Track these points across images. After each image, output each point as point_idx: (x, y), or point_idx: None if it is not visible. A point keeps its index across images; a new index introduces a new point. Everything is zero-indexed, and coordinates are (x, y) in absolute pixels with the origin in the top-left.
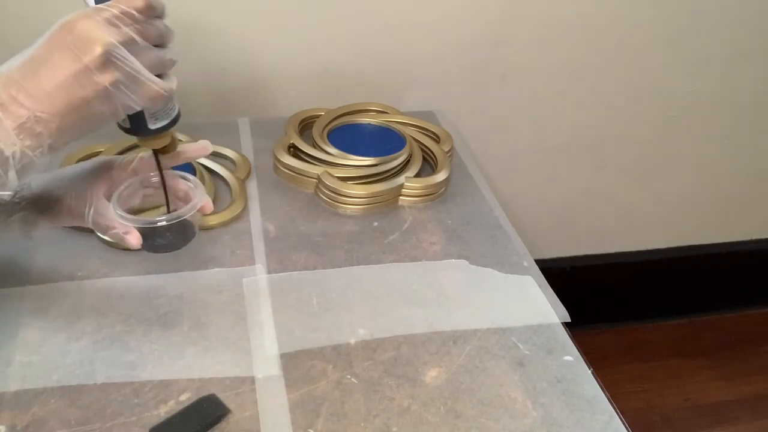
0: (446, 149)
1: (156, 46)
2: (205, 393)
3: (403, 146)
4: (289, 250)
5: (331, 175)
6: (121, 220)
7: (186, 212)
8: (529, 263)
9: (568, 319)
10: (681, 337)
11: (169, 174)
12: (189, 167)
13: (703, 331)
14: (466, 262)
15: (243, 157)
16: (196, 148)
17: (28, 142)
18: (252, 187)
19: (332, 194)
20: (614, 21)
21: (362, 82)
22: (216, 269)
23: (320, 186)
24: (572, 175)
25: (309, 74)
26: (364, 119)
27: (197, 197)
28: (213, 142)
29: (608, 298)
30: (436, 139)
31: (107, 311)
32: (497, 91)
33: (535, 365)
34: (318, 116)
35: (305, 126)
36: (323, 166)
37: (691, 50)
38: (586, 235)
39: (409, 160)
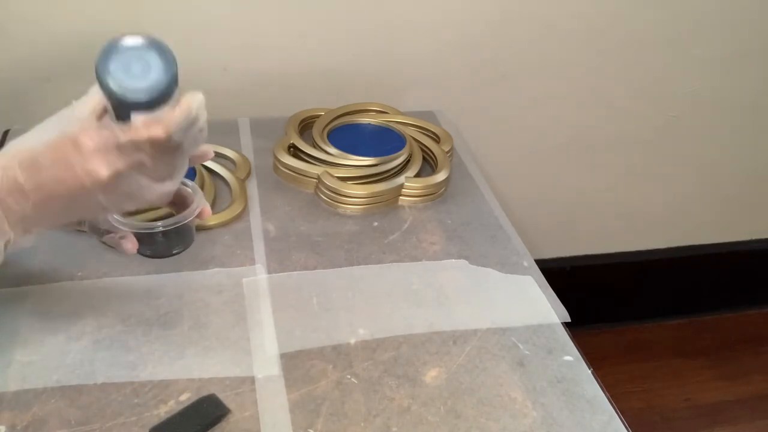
0: (446, 149)
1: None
2: (205, 393)
3: (403, 146)
4: (289, 250)
5: (331, 175)
6: (117, 225)
7: (184, 218)
8: (529, 263)
9: (568, 319)
10: (681, 337)
11: None
12: (190, 168)
13: (703, 331)
14: (466, 262)
15: (243, 157)
16: (197, 155)
17: (19, 234)
18: (252, 187)
19: (332, 194)
20: (614, 21)
21: (362, 82)
22: (216, 269)
23: (320, 186)
24: (572, 175)
25: (309, 74)
26: (364, 119)
27: (196, 202)
28: (213, 142)
29: (608, 298)
30: (436, 139)
31: (107, 311)
32: (497, 91)
33: (535, 365)
34: (318, 116)
35: (305, 126)
36: (323, 166)
37: (691, 50)
38: (586, 235)
39: (409, 160)
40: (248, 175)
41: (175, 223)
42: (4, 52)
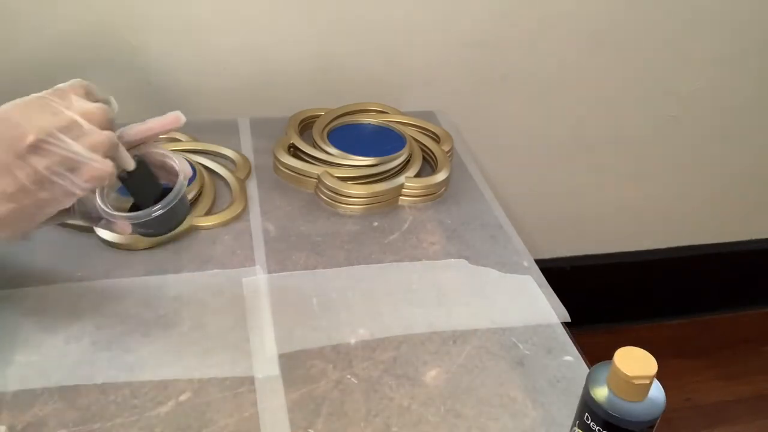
0: (446, 149)
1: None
2: (204, 393)
3: (403, 146)
4: (289, 250)
5: (331, 175)
6: (107, 217)
7: (176, 196)
8: (529, 263)
9: (568, 319)
10: (681, 337)
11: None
12: (190, 168)
13: (703, 331)
14: (466, 261)
15: (243, 157)
16: (166, 123)
17: None
18: (252, 187)
19: (332, 194)
20: (614, 21)
21: (362, 82)
22: (216, 270)
23: (320, 186)
24: (572, 175)
25: (309, 74)
26: (364, 119)
27: (182, 172)
28: (213, 142)
29: (608, 298)
30: (436, 139)
31: (107, 312)
32: (497, 91)
33: (535, 365)
34: (318, 116)
35: (305, 126)
36: (323, 166)
37: (692, 50)
38: (586, 235)
39: (409, 160)
40: (248, 175)
41: (168, 204)
42: (4, 52)
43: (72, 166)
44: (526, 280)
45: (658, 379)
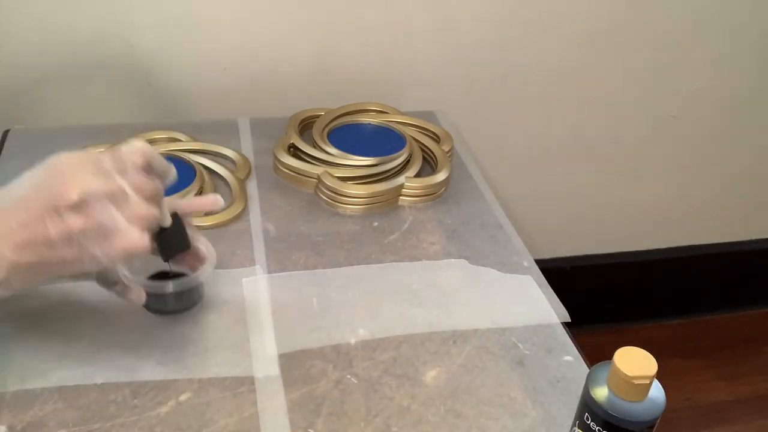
0: (446, 149)
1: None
2: (204, 393)
3: (403, 146)
4: (289, 250)
5: (331, 175)
6: (126, 281)
7: (197, 279)
8: (529, 263)
9: (568, 319)
10: (681, 337)
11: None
12: (190, 168)
13: (703, 331)
14: (466, 261)
15: (243, 157)
16: (205, 203)
17: None
18: (252, 187)
19: (332, 194)
20: (614, 21)
21: (362, 82)
22: (215, 270)
23: (320, 186)
24: (572, 175)
25: (309, 74)
26: (364, 119)
27: (209, 263)
28: (213, 142)
29: (608, 298)
30: (436, 139)
31: (106, 312)
32: (497, 91)
33: (535, 365)
34: (318, 116)
35: (305, 126)
36: (323, 166)
37: (692, 50)
38: (586, 235)
39: (409, 160)
40: (248, 175)
41: (187, 285)
42: (4, 52)
43: (107, 233)
44: (526, 280)
45: (658, 379)
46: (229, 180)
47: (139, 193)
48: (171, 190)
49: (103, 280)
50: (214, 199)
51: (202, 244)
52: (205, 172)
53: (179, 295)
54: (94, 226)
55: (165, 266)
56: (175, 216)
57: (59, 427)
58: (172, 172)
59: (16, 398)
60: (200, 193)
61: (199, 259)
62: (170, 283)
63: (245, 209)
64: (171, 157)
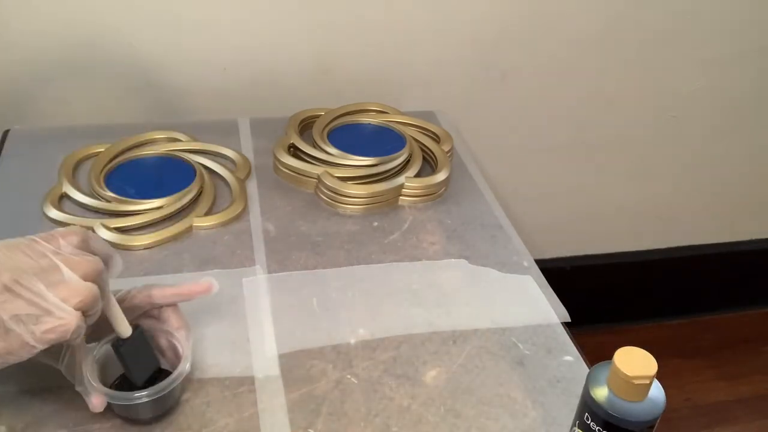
0: (446, 149)
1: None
2: (204, 394)
3: (403, 146)
4: (289, 250)
5: (331, 175)
6: (91, 389)
7: (169, 385)
8: (529, 263)
9: (568, 319)
10: (681, 337)
11: (157, 328)
12: (190, 168)
13: (703, 331)
14: (466, 262)
15: (243, 157)
16: (196, 290)
17: None
18: (252, 187)
19: (332, 194)
20: (614, 21)
21: (362, 82)
22: (216, 270)
23: (320, 186)
24: (572, 175)
25: (309, 74)
26: (364, 119)
27: (181, 365)
28: (213, 142)
29: (608, 298)
30: (436, 139)
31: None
32: (497, 91)
33: (535, 365)
34: (318, 116)
35: (305, 126)
36: (323, 166)
37: (692, 50)
38: (586, 235)
39: (409, 160)
40: (248, 175)
41: (159, 392)
42: (3, 52)
43: (38, 314)
44: (526, 280)
45: (658, 379)
46: (229, 180)
47: (74, 270)
48: (171, 189)
49: (70, 375)
50: (207, 285)
51: (181, 343)
52: (205, 173)
53: (153, 402)
54: (24, 308)
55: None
56: (137, 329)
57: (59, 427)
58: (117, 261)
59: (16, 398)
60: (200, 194)
61: (177, 358)
62: (143, 393)
63: (245, 209)
64: (171, 158)
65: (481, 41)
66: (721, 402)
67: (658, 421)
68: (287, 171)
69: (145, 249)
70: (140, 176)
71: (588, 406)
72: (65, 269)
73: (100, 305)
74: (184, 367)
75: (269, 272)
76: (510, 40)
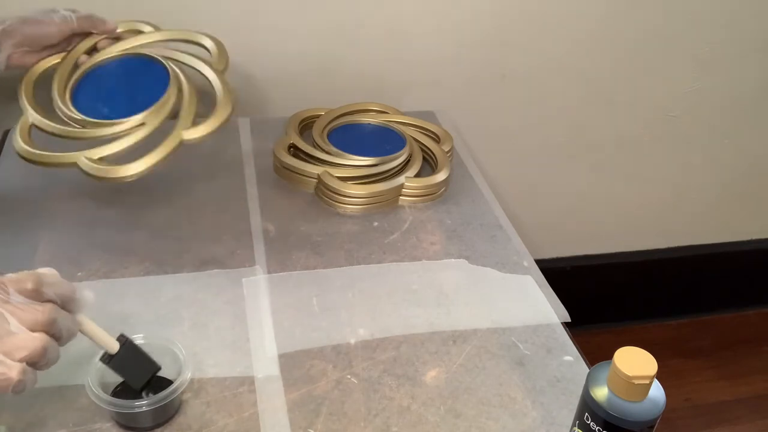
0: (446, 149)
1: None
2: (204, 394)
3: (403, 146)
4: (289, 250)
5: (331, 175)
6: (96, 401)
7: (169, 395)
8: (529, 263)
9: (568, 319)
10: (681, 337)
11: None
12: (162, 70)
13: (703, 331)
14: (466, 261)
15: (218, 42)
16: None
17: None
18: (252, 187)
19: (332, 194)
20: (614, 21)
21: (362, 82)
22: (216, 270)
23: (320, 186)
24: (572, 175)
25: (309, 74)
26: (364, 119)
27: (182, 375)
28: (212, 142)
29: (608, 298)
30: (436, 139)
31: (107, 312)
32: (497, 91)
33: (535, 365)
34: (318, 116)
35: (305, 126)
36: (323, 166)
37: (692, 50)
38: (586, 235)
39: (409, 160)
40: (227, 65)
41: (159, 402)
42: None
43: None
44: (526, 280)
45: (658, 379)
46: (209, 76)
47: (22, 322)
48: (145, 99)
49: None
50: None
51: (180, 350)
52: (181, 75)
53: (154, 411)
54: None
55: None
56: (125, 342)
57: (59, 427)
58: (85, 295)
59: (16, 398)
60: (179, 104)
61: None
62: (143, 402)
63: (233, 112)
64: (134, 57)
65: (481, 41)
66: (721, 402)
67: (658, 421)
68: (287, 171)
69: (144, 248)
70: (107, 89)
71: (588, 406)
72: (12, 320)
73: (55, 353)
74: (185, 376)
75: (269, 272)
76: (510, 40)
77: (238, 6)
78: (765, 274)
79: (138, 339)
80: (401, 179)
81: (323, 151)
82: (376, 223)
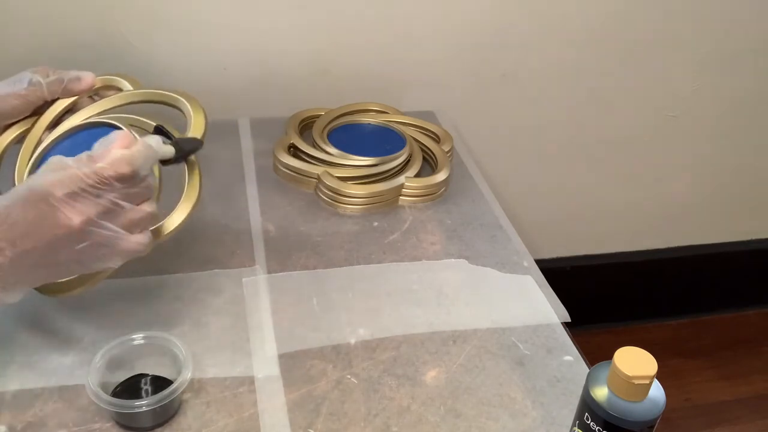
0: (446, 149)
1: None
2: (204, 394)
3: (403, 146)
4: (289, 250)
5: (331, 175)
6: (96, 401)
7: (169, 395)
8: (529, 263)
9: (568, 319)
10: (681, 337)
11: None
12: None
13: (703, 331)
14: (466, 262)
15: (196, 106)
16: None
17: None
18: (252, 187)
19: (332, 194)
20: (614, 21)
21: (362, 82)
22: (215, 270)
23: (320, 186)
24: (572, 175)
25: (309, 74)
26: (364, 119)
27: (182, 374)
28: (213, 142)
29: (608, 298)
30: (436, 139)
31: (107, 312)
32: (497, 91)
33: (535, 365)
34: (318, 116)
35: (305, 126)
36: (323, 166)
37: (691, 50)
38: (586, 235)
39: (409, 160)
40: (204, 133)
41: (159, 402)
42: (4, 51)
43: (110, 245)
44: (526, 280)
45: (658, 379)
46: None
47: (131, 201)
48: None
49: None
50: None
51: (181, 350)
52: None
53: (154, 411)
54: (98, 242)
55: (139, 370)
56: (167, 135)
57: (59, 427)
58: (157, 144)
59: (16, 398)
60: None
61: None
62: (142, 402)
63: (199, 200)
64: (101, 128)
65: (481, 41)
66: (721, 402)
67: (658, 421)
68: (287, 171)
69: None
70: None
71: (588, 406)
72: (124, 204)
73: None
74: (185, 376)
75: (269, 272)
76: (510, 40)
77: (238, 6)
78: (765, 274)
79: (138, 339)
80: (401, 179)
81: (323, 151)
82: (376, 223)
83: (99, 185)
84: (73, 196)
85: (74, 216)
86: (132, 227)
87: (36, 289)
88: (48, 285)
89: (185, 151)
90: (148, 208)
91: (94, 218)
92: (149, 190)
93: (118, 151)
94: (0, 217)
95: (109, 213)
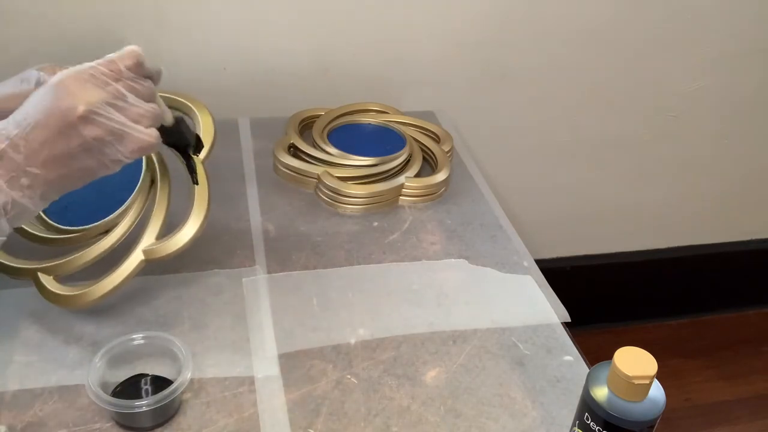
0: (446, 149)
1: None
2: (204, 394)
3: (403, 146)
4: (289, 250)
5: (331, 175)
6: (96, 401)
7: (169, 395)
8: (529, 263)
9: (568, 319)
10: (681, 337)
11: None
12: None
13: (703, 331)
14: (466, 262)
15: (205, 114)
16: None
17: (19, 193)
18: (252, 187)
19: (332, 194)
20: (614, 21)
21: (362, 82)
22: (216, 270)
23: (320, 186)
24: (572, 175)
25: (309, 74)
26: (364, 119)
27: (182, 375)
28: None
29: (608, 298)
30: (436, 139)
31: (106, 312)
32: (497, 91)
33: (535, 365)
34: (318, 116)
35: (305, 126)
36: (323, 166)
37: (691, 50)
38: (586, 235)
39: (409, 160)
40: (213, 143)
41: (159, 402)
42: (4, 51)
43: (118, 136)
44: (526, 280)
45: (658, 379)
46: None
47: (136, 95)
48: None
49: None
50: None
51: (180, 349)
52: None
53: (154, 411)
54: (106, 132)
55: (139, 370)
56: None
57: (59, 427)
58: (161, 71)
59: (16, 398)
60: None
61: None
62: (143, 402)
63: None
64: None
65: (481, 41)
66: (721, 402)
67: (658, 421)
68: (287, 171)
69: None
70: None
71: (588, 406)
72: (130, 96)
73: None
74: (185, 376)
75: (269, 272)
76: (510, 40)
77: (237, 6)
78: (765, 274)
79: (138, 339)
80: (401, 179)
81: (323, 151)
82: (376, 223)
83: (106, 74)
84: (81, 82)
85: (80, 101)
86: (138, 120)
87: (52, 301)
88: (65, 297)
89: (182, 133)
90: (151, 105)
91: (99, 104)
92: (152, 93)
93: (129, 47)
94: (17, 119)
95: (115, 103)
